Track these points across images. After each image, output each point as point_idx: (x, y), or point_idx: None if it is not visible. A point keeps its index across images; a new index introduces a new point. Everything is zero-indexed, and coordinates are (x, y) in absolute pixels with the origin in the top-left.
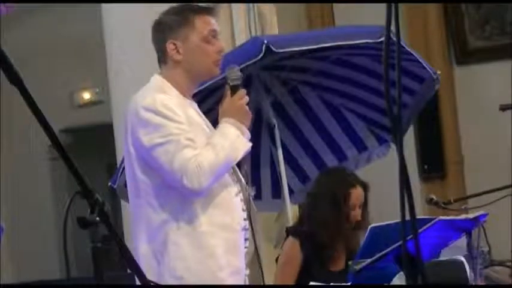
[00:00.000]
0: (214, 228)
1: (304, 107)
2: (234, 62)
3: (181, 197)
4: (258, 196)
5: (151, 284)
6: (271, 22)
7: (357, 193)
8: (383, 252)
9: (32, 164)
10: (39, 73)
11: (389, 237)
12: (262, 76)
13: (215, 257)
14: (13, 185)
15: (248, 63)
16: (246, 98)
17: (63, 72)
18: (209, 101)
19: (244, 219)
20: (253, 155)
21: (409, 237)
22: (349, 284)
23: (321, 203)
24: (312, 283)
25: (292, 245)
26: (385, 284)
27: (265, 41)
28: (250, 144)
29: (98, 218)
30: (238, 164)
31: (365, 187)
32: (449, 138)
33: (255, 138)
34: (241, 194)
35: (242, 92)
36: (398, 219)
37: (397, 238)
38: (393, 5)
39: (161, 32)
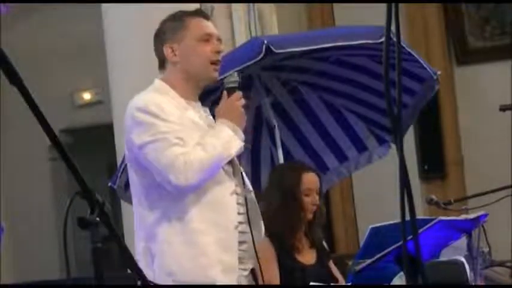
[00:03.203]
0: (206, 225)
1: (304, 108)
2: (234, 63)
3: (172, 196)
4: None
5: (151, 284)
6: (271, 22)
7: (309, 178)
8: (383, 253)
9: (32, 164)
10: (39, 73)
11: (389, 237)
12: (263, 76)
13: (206, 254)
14: (13, 185)
15: (248, 63)
16: (242, 101)
17: (63, 72)
18: (209, 102)
19: (240, 221)
20: (254, 155)
21: (409, 238)
22: (349, 284)
23: (271, 193)
24: (312, 283)
25: (264, 243)
26: (385, 284)
27: (265, 42)
28: (242, 144)
29: (98, 218)
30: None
31: (318, 175)
32: (449, 138)
33: (255, 138)
34: (238, 194)
35: (238, 94)
36: (398, 219)
37: (397, 238)
38: (393, 5)
39: (159, 37)
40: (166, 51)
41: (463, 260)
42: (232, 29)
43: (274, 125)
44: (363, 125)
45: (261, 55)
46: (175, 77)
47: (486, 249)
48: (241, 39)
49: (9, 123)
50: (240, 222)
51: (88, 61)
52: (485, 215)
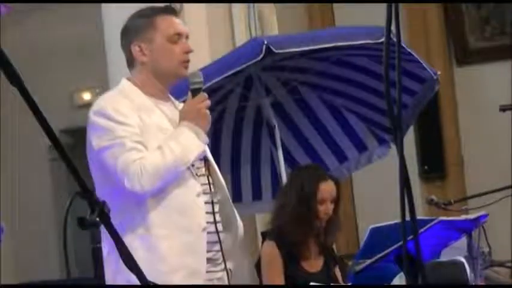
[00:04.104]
0: (169, 230)
1: (305, 108)
2: (235, 63)
3: (134, 201)
4: (258, 196)
5: (151, 284)
6: (271, 22)
7: (327, 187)
8: (383, 253)
9: (32, 164)
10: (39, 73)
11: (389, 237)
12: (263, 77)
13: (167, 260)
14: (13, 185)
15: (248, 63)
16: (207, 102)
17: (63, 72)
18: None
19: (210, 221)
20: (254, 155)
21: (409, 238)
22: (349, 284)
23: (289, 200)
24: (312, 283)
25: (270, 247)
26: (385, 284)
27: (266, 42)
28: (204, 148)
29: (98, 219)
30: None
31: (337, 183)
32: (449, 138)
33: (255, 138)
34: (206, 195)
35: (202, 95)
36: (398, 219)
37: (397, 238)
38: (393, 5)
39: (127, 35)
40: (134, 50)
41: (463, 260)
42: (232, 29)
43: (274, 125)
44: (363, 125)
45: (261, 55)
46: (143, 76)
47: (486, 249)
48: (241, 39)
49: (9, 123)
50: (210, 222)
51: (88, 61)
52: (485, 215)
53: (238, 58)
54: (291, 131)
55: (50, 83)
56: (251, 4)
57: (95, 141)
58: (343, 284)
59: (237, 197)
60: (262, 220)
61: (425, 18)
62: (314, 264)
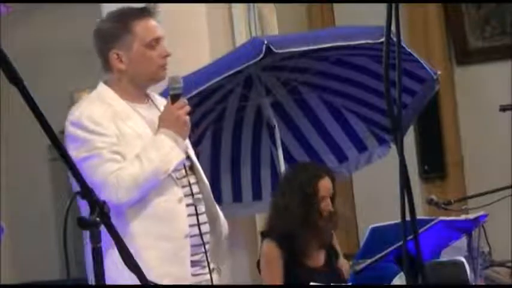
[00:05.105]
0: (150, 240)
1: (305, 108)
2: (235, 63)
3: (114, 212)
4: (258, 196)
5: (151, 284)
6: (271, 22)
7: (325, 184)
8: (383, 253)
9: (32, 164)
10: (39, 73)
11: (389, 237)
12: (263, 77)
13: (151, 269)
14: (13, 185)
15: (248, 63)
16: (187, 108)
17: (63, 72)
18: (209, 102)
19: (193, 224)
20: (254, 155)
21: (409, 238)
22: (349, 284)
23: (291, 202)
24: (312, 283)
25: (270, 246)
26: (385, 284)
27: (266, 42)
28: (183, 156)
29: (98, 218)
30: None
31: (332, 178)
32: (449, 138)
33: (255, 138)
34: (188, 199)
35: (182, 101)
36: (398, 219)
37: (397, 238)
38: (393, 5)
39: (103, 40)
40: (112, 57)
41: (463, 260)
42: (232, 29)
43: (274, 125)
44: (363, 125)
45: (261, 55)
46: (121, 82)
47: (486, 249)
48: (241, 39)
49: (9, 123)
50: (192, 225)
51: (88, 61)
52: (485, 215)
53: (238, 58)
54: (291, 131)
55: (50, 83)
56: (251, 4)
57: (73, 152)
58: (347, 277)
59: (237, 197)
60: (263, 220)
61: (425, 18)
62: (316, 259)
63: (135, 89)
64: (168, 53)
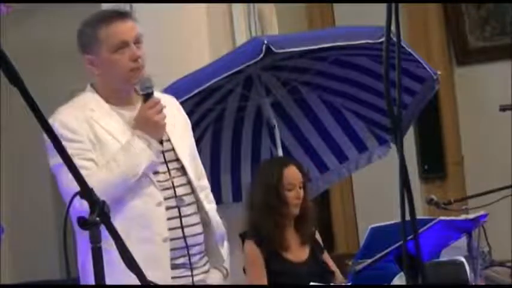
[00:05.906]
0: (128, 242)
1: (305, 108)
2: (235, 63)
3: None
4: None
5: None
6: (271, 22)
7: (291, 172)
8: (383, 253)
9: (32, 164)
10: (39, 73)
11: (389, 237)
12: (263, 77)
13: (130, 273)
14: (13, 185)
15: (248, 63)
16: (158, 107)
17: (63, 72)
18: (209, 102)
19: (171, 229)
20: (254, 155)
21: (409, 238)
22: (349, 284)
23: (256, 194)
24: (312, 283)
25: (250, 246)
26: (385, 284)
27: (266, 42)
28: (154, 158)
29: (97, 218)
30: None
31: (300, 167)
32: (449, 138)
33: (255, 138)
34: (170, 202)
35: (152, 101)
36: (398, 219)
37: (397, 238)
38: (393, 5)
39: (78, 45)
40: (86, 63)
41: (463, 260)
42: (232, 29)
43: (274, 125)
44: (363, 125)
45: (261, 55)
46: (100, 85)
47: (486, 249)
48: (241, 39)
49: (9, 123)
50: (172, 229)
51: None
52: (485, 215)
53: (238, 58)
54: (291, 131)
55: (50, 83)
56: (251, 4)
57: (49, 159)
58: (337, 271)
59: (236, 197)
60: None
61: (425, 18)
62: (299, 254)
63: (115, 92)
64: (138, 55)
